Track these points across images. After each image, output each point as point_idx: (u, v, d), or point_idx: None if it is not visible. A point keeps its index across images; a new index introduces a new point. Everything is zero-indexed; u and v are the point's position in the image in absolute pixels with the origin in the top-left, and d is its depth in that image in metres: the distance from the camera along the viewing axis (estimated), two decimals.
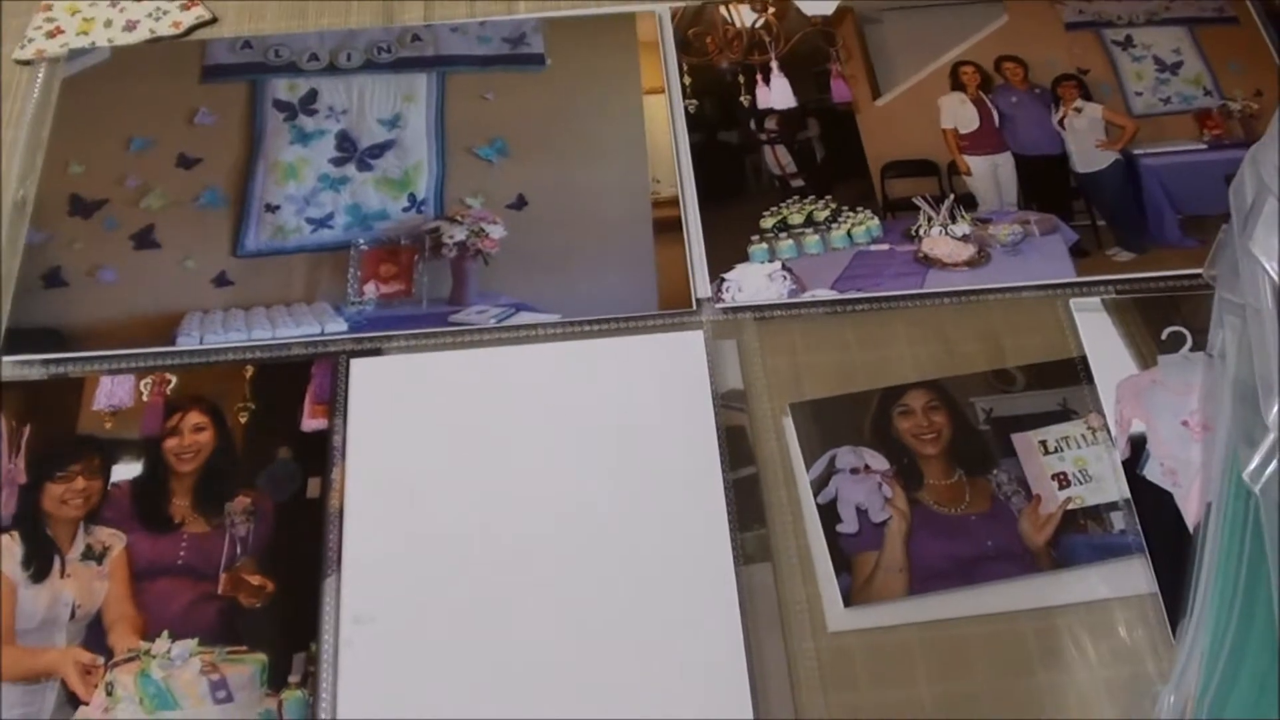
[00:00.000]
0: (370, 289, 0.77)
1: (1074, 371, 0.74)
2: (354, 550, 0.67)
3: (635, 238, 0.80)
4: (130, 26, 0.92)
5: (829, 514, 0.69)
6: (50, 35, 0.91)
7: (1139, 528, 0.67)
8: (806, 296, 0.77)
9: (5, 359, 0.75)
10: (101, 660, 0.64)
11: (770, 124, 0.87)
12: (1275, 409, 0.60)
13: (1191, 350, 0.73)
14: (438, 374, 0.74)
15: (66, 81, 0.88)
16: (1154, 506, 0.68)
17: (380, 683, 0.64)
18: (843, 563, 0.67)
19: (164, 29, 0.92)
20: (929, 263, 0.79)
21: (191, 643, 0.64)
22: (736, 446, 0.71)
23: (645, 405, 0.72)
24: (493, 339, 0.76)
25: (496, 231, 0.80)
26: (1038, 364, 0.74)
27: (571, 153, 0.84)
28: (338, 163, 0.84)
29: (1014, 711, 0.63)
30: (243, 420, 0.72)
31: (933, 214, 0.82)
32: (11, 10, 0.93)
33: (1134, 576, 0.66)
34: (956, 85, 0.88)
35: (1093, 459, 0.70)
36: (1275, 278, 0.62)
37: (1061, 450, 0.71)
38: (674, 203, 0.81)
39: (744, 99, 0.88)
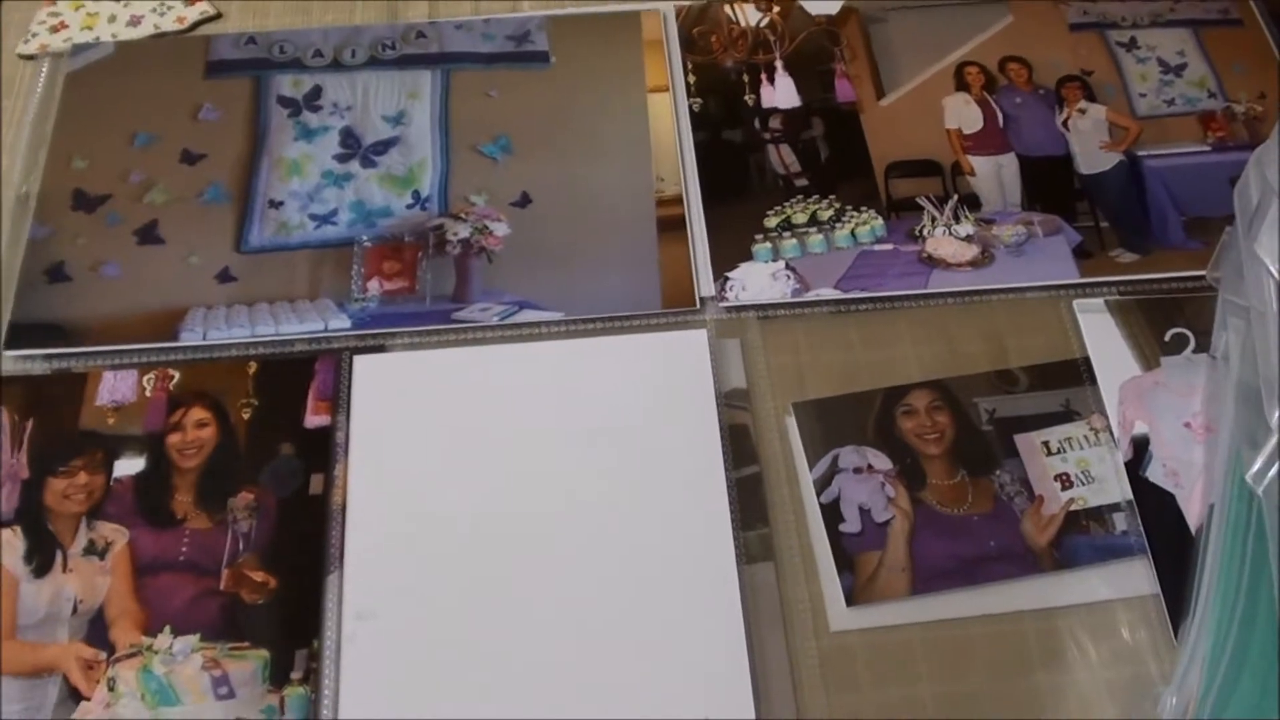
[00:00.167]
0: (374, 286, 0.77)
1: (1077, 372, 0.74)
2: (356, 546, 0.67)
3: (639, 236, 0.80)
4: (134, 21, 0.92)
5: (832, 513, 0.69)
6: (54, 30, 0.91)
7: (1141, 529, 0.67)
8: (810, 296, 0.77)
9: (8, 354, 0.75)
10: (103, 655, 0.64)
11: (774, 123, 0.87)
12: (1278, 411, 0.60)
13: (1195, 352, 0.73)
14: (441, 371, 0.74)
15: (70, 76, 0.87)
16: (1156, 508, 0.68)
17: (382, 679, 0.64)
18: (845, 562, 0.67)
19: (168, 24, 0.92)
20: (933, 263, 0.79)
21: (194, 638, 0.64)
22: (739, 445, 0.71)
23: (648, 404, 0.72)
24: (496, 337, 0.76)
25: (500, 229, 0.80)
26: (1041, 365, 0.74)
27: (576, 151, 0.84)
28: (342, 159, 0.84)
29: (1016, 712, 0.63)
30: (245, 416, 0.72)
31: (936, 214, 0.82)
32: (16, 5, 0.93)
33: (1136, 578, 0.67)
34: (961, 85, 0.88)
35: (1095, 460, 0.70)
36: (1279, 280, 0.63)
37: (1064, 451, 0.71)
38: (678, 201, 0.81)
39: (748, 98, 0.88)
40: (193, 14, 0.92)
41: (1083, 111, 0.87)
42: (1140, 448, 0.70)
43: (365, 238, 0.80)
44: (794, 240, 0.80)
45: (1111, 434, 0.71)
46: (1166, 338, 0.74)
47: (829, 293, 0.77)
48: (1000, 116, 0.87)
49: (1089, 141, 0.86)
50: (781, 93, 0.88)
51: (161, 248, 0.79)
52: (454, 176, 0.83)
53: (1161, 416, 0.71)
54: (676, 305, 0.76)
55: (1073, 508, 0.69)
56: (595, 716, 0.62)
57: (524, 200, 0.82)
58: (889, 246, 0.80)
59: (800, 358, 0.75)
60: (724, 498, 0.68)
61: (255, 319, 0.76)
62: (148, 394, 0.73)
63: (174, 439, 0.71)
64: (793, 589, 0.67)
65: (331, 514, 0.68)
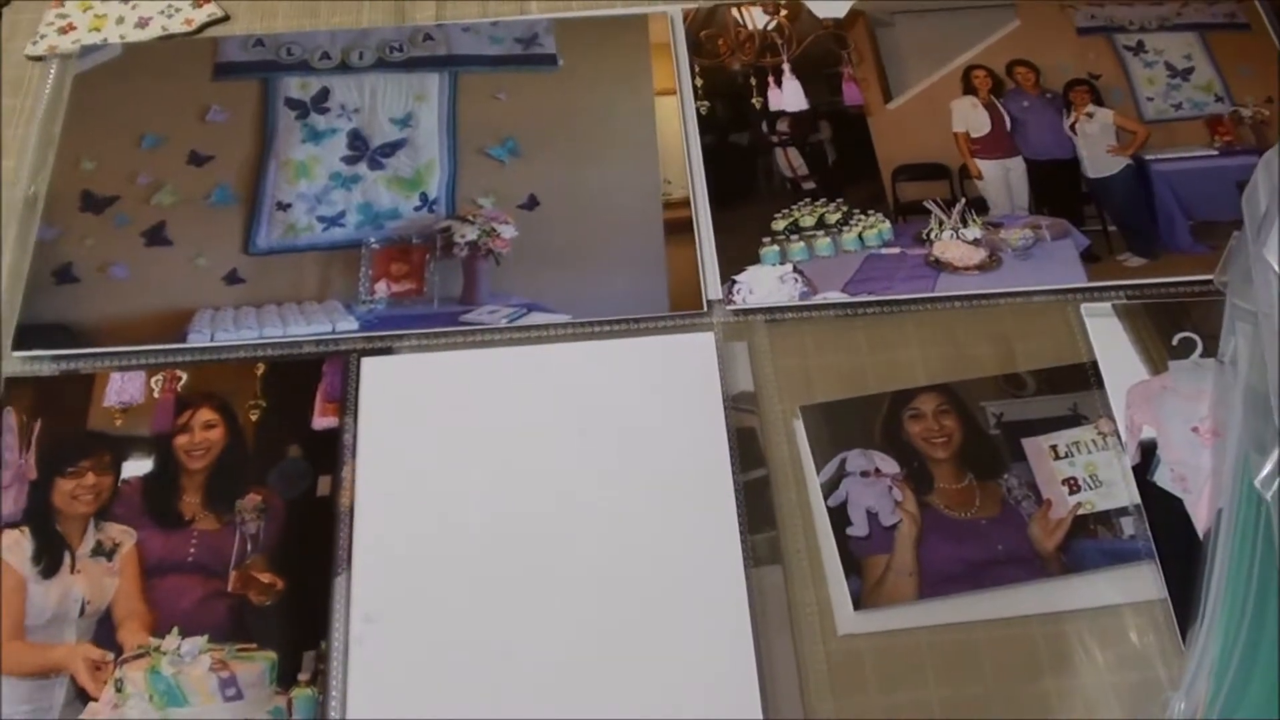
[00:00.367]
0: (381, 288, 0.78)
1: (1085, 376, 0.74)
2: (364, 548, 0.67)
3: (646, 239, 0.80)
4: (142, 23, 0.92)
5: (839, 517, 0.69)
6: (62, 31, 0.92)
7: (1149, 533, 0.67)
8: (818, 299, 0.77)
9: (16, 355, 0.75)
10: (111, 656, 0.64)
11: (782, 126, 0.87)
12: None
13: (1202, 356, 0.73)
14: (449, 373, 0.74)
15: (78, 78, 0.88)
16: (1164, 512, 0.68)
17: (390, 681, 0.64)
18: (853, 566, 0.67)
19: (176, 26, 0.92)
20: (940, 266, 0.79)
21: (201, 640, 0.64)
22: (747, 449, 0.71)
23: (656, 407, 0.72)
24: (504, 339, 0.76)
25: (508, 231, 0.80)
26: (1048, 369, 0.74)
27: (583, 153, 0.84)
28: (349, 161, 0.84)
29: (1023, 716, 0.63)
30: (253, 418, 0.72)
31: (944, 217, 0.82)
32: (24, 6, 0.93)
33: (1144, 582, 0.66)
34: (968, 89, 0.88)
35: (1103, 464, 0.70)
36: None
37: (1072, 455, 0.71)
38: (685, 204, 0.81)
39: (755, 101, 0.88)
40: (200, 16, 0.93)
41: (1090, 115, 0.87)
42: (1148, 452, 0.70)
43: (373, 240, 0.80)
44: (801, 243, 0.80)
45: (1119, 438, 0.71)
46: (1174, 342, 0.74)
47: (836, 296, 0.77)
48: (1007, 120, 0.87)
49: (1096, 145, 0.86)
50: (789, 96, 0.89)
51: (169, 249, 0.79)
52: (461, 179, 0.83)
53: (1169, 421, 0.71)
54: (684, 308, 0.76)
55: (1080, 512, 0.69)
56: (603, 718, 0.62)
57: (531, 203, 0.82)
58: (896, 250, 0.80)
59: (808, 361, 0.75)
60: (731, 501, 0.68)
61: (263, 321, 0.76)
62: (155, 395, 0.73)
63: (182, 440, 0.71)
64: (800, 592, 0.67)
65: (339, 516, 0.68)
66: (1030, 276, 0.78)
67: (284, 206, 0.82)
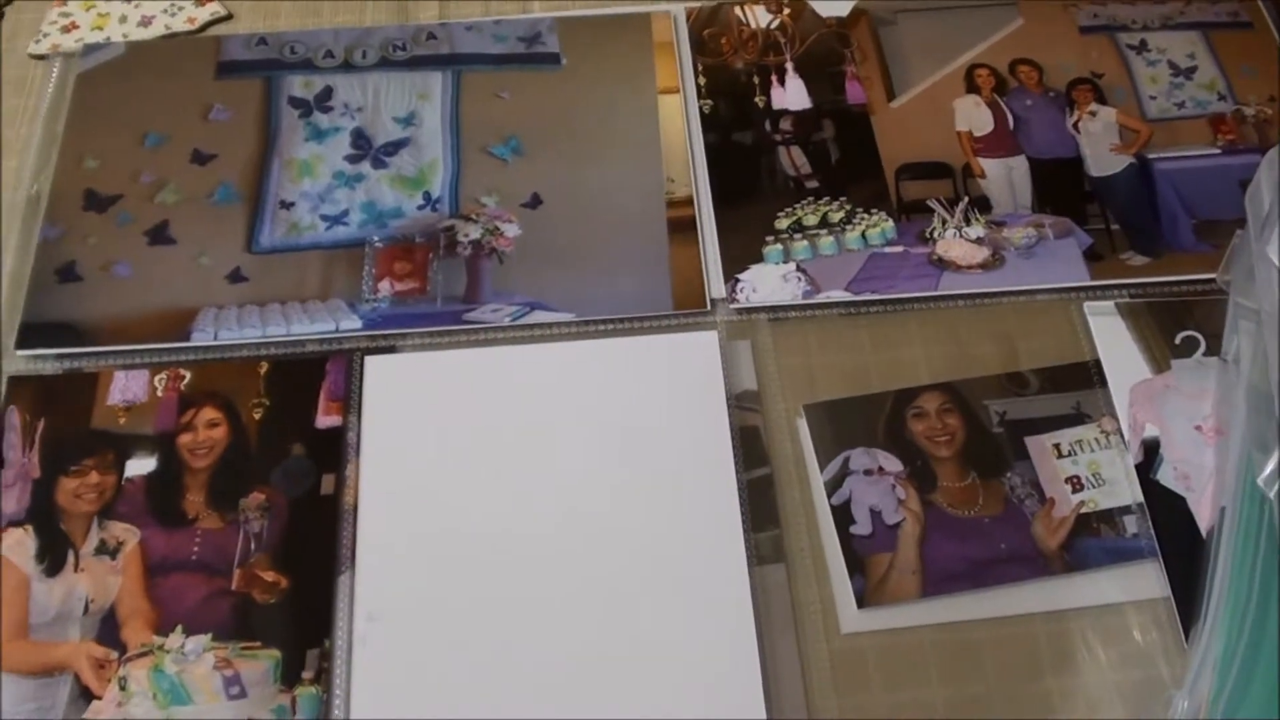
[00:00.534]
0: (385, 286, 0.78)
1: (1087, 375, 0.74)
2: (368, 547, 0.68)
3: (650, 238, 0.80)
4: (145, 22, 0.92)
5: (842, 515, 0.69)
6: (65, 30, 0.92)
7: (1152, 532, 0.67)
8: (821, 298, 0.77)
9: (20, 353, 0.75)
10: (115, 655, 0.64)
11: (785, 125, 0.87)
12: None
13: (1205, 355, 0.73)
14: (452, 372, 0.74)
15: (81, 76, 0.88)
16: (1167, 511, 0.68)
17: (394, 679, 0.64)
18: (856, 564, 0.67)
19: (179, 25, 0.92)
20: (943, 265, 0.79)
21: (205, 638, 0.64)
22: (750, 447, 0.71)
23: (659, 405, 0.72)
24: (507, 338, 0.76)
25: (511, 230, 0.80)
26: (1051, 367, 0.74)
27: (586, 152, 0.84)
28: (353, 160, 0.84)
29: (1026, 714, 0.63)
30: (257, 416, 0.72)
31: (947, 216, 0.82)
32: (27, 5, 0.94)
33: (1147, 580, 0.67)
34: (971, 88, 0.89)
35: (1106, 463, 0.70)
36: None
37: (1075, 454, 0.71)
38: (688, 203, 0.81)
39: (759, 100, 0.88)
40: (203, 14, 0.93)
41: (1093, 114, 0.87)
42: (1151, 451, 0.70)
43: (376, 238, 0.80)
44: (805, 242, 0.80)
45: (1122, 437, 0.71)
46: (1177, 340, 0.74)
47: (840, 295, 0.77)
48: (1010, 119, 0.87)
49: (1099, 144, 0.86)
50: (792, 94, 0.89)
51: (173, 248, 0.79)
52: (465, 177, 0.83)
53: (1172, 419, 0.71)
54: (687, 307, 0.77)
55: (1083, 510, 0.69)
56: (606, 717, 0.62)
57: (534, 201, 0.82)
58: (899, 249, 0.80)
59: (811, 359, 0.75)
60: (735, 499, 0.68)
61: (266, 319, 0.76)
62: (159, 394, 0.73)
63: (185, 439, 0.71)
64: (804, 591, 0.67)
65: (343, 514, 0.69)
66: (1033, 275, 0.78)
67: (287, 205, 0.82)
